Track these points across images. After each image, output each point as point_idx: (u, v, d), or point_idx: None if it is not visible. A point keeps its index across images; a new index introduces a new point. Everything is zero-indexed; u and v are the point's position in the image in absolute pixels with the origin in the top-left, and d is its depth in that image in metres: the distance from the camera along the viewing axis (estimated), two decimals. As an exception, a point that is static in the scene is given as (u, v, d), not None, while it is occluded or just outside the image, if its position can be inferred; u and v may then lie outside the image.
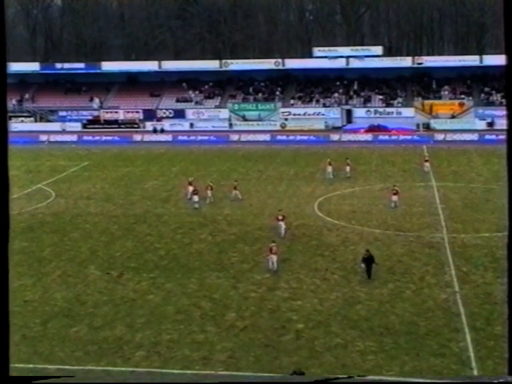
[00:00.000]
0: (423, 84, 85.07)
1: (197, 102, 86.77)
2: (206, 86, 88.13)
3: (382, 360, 21.51)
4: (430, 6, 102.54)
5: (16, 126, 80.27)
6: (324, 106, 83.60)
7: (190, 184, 44.95)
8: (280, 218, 35.99)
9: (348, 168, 52.08)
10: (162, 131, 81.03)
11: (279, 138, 74.86)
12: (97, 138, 77.58)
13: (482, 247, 33.40)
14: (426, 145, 62.83)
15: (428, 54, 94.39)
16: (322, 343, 22.80)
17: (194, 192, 43.08)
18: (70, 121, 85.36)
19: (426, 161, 55.25)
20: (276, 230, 35.84)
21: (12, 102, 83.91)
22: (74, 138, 78.13)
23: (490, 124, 76.24)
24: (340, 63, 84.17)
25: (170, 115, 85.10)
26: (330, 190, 47.33)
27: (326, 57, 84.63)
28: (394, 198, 41.38)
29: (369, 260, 28.36)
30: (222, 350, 22.48)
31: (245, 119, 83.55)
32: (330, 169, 51.81)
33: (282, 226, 35.71)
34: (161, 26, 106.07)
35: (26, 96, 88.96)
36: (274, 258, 30.35)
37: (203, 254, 33.34)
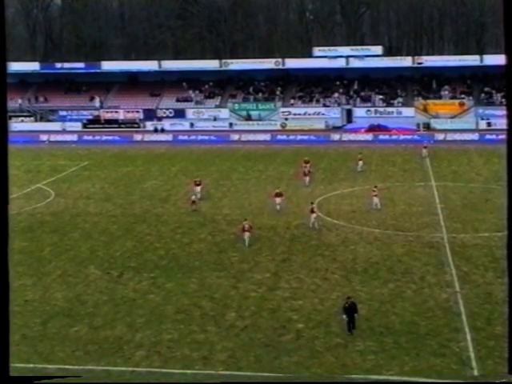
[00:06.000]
0: (423, 84, 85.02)
1: (197, 102, 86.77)
2: (206, 86, 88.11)
3: (382, 360, 21.50)
4: (429, 6, 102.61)
5: (16, 125, 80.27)
6: (324, 105, 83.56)
7: (198, 185, 45.24)
8: (314, 210, 37.98)
9: (361, 163, 53.98)
10: (163, 131, 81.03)
11: (279, 137, 74.84)
12: (97, 137, 77.54)
13: (482, 247, 33.40)
14: (425, 146, 62.75)
15: (428, 54, 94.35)
16: (322, 343, 22.80)
17: (278, 195, 41.82)
18: (71, 120, 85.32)
19: (425, 147, 59.53)
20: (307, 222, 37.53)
21: (12, 102, 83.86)
22: (75, 137, 78.10)
23: (490, 124, 76.20)
24: (340, 63, 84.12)
25: (171, 115, 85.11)
26: (329, 190, 47.32)
27: (325, 56, 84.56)
28: (375, 199, 41.39)
29: (351, 309, 23.74)
30: (222, 349, 22.47)
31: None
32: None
33: (315, 217, 37.37)
34: (161, 26, 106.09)
35: (26, 96, 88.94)
36: (247, 234, 33.71)
37: (203, 253, 33.34)
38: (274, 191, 42.77)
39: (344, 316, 23.64)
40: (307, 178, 49.10)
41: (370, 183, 47.76)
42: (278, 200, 41.44)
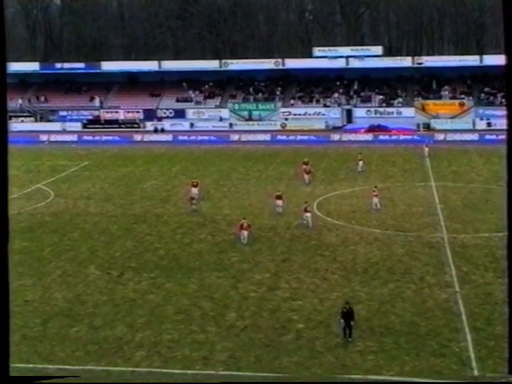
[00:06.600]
0: (423, 84, 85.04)
1: (197, 102, 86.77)
2: (206, 86, 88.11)
3: (382, 360, 21.50)
4: (429, 6, 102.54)
5: (16, 125, 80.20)
6: (324, 105, 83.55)
7: (195, 186, 44.82)
8: (308, 209, 38.03)
9: (361, 163, 54.14)
10: (163, 131, 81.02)
11: (279, 137, 74.84)
12: (97, 137, 77.53)
13: (482, 247, 33.40)
14: (427, 144, 62.79)
15: (428, 54, 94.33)
16: (322, 343, 22.80)
17: (278, 197, 40.59)
18: (71, 120, 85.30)
19: (427, 146, 61.10)
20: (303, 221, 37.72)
21: (12, 102, 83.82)
22: (75, 137, 78.08)
23: (490, 124, 76.21)
24: (340, 63, 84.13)
25: (171, 115, 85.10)
26: (329, 190, 47.32)
27: (325, 57, 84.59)
28: (375, 200, 41.40)
29: (348, 315, 23.25)
30: (222, 349, 22.47)
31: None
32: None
33: (309, 217, 37.57)
34: (161, 26, 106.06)
35: (26, 96, 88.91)
36: (245, 233, 34.40)
37: (203, 253, 33.34)
38: (274, 193, 42.63)
39: (341, 321, 23.25)
40: (308, 176, 49.52)
41: (370, 183, 47.74)
42: (278, 202, 40.97)
